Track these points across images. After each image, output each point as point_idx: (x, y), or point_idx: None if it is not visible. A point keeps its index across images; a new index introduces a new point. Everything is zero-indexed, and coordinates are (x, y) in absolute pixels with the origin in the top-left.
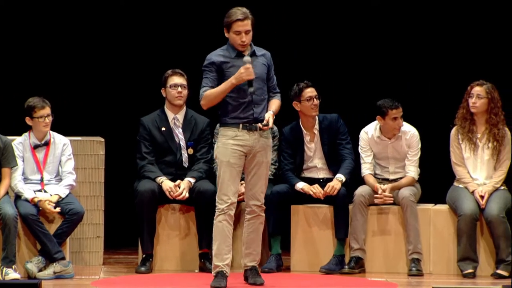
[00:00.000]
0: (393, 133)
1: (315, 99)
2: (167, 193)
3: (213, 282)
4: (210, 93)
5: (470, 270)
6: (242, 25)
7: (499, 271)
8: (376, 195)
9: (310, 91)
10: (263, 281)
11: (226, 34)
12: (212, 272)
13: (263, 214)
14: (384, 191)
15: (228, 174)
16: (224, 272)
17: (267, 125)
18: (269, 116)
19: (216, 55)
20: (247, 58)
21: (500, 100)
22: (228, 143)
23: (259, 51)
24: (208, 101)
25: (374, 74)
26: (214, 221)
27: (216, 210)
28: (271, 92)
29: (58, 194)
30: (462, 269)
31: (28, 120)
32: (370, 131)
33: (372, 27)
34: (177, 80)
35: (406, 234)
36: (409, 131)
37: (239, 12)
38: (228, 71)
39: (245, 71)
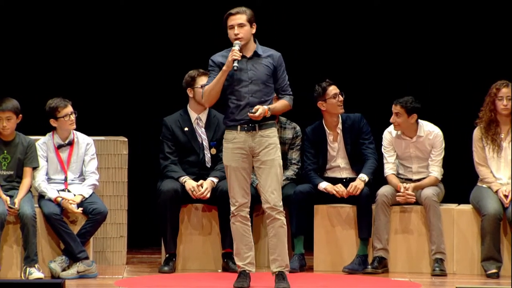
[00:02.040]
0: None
1: (340, 95)
2: (190, 193)
3: (236, 282)
4: (206, 88)
5: (494, 270)
6: (233, 19)
7: None
8: (398, 193)
9: (333, 89)
10: (287, 286)
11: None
12: (237, 271)
13: (280, 217)
14: (406, 189)
15: (234, 178)
16: (246, 271)
17: (254, 112)
18: (261, 107)
19: (218, 56)
20: (236, 42)
21: None
22: (228, 147)
23: (266, 51)
24: (206, 96)
25: (397, 75)
26: (230, 223)
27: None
28: (280, 93)
29: (81, 194)
30: (486, 269)
31: (52, 122)
32: (393, 131)
33: (395, 26)
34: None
35: (429, 234)
36: (433, 131)
37: (233, 8)
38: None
39: (233, 54)
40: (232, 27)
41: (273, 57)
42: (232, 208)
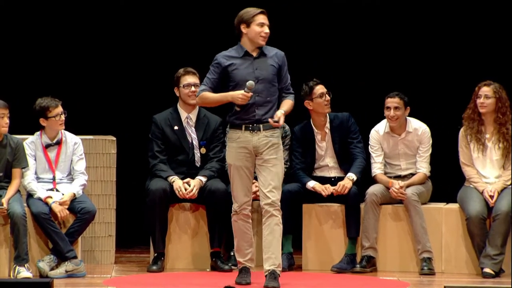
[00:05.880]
0: (392, 126)
1: (326, 95)
2: (176, 192)
3: (238, 278)
4: (206, 97)
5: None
6: (265, 18)
7: (487, 270)
8: (393, 188)
9: (320, 88)
10: (276, 285)
11: (243, 30)
12: (237, 268)
13: (278, 215)
14: (401, 187)
15: (237, 177)
16: (248, 267)
17: (277, 121)
18: (280, 114)
19: (223, 56)
20: (250, 82)
21: (508, 100)
22: (233, 146)
23: (271, 51)
24: (202, 102)
25: (385, 74)
26: (232, 220)
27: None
28: (283, 93)
29: (73, 192)
30: (483, 267)
31: (42, 121)
32: (380, 129)
33: (383, 26)
34: (190, 79)
35: (413, 234)
36: (420, 127)
37: (257, 8)
38: (233, 73)
39: (242, 97)
40: (264, 25)
41: (277, 56)
42: (234, 206)
